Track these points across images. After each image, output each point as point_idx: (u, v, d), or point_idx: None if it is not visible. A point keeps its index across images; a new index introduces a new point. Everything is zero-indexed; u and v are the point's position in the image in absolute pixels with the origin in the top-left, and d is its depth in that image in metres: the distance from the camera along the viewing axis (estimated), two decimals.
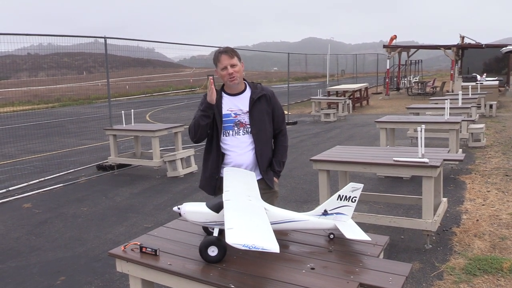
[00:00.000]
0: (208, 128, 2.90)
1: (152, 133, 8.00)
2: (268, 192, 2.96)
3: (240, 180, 2.57)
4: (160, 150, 8.36)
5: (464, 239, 4.34)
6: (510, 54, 20.24)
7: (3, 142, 11.81)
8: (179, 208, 2.25)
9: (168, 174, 7.81)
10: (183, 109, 22.52)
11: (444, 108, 7.17)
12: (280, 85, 34.85)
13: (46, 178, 8.04)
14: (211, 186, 2.99)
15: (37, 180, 7.86)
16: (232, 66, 2.82)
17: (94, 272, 4.08)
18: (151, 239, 2.39)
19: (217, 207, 2.16)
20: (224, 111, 2.91)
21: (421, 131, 4.22)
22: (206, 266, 2.02)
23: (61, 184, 7.57)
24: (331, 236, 2.29)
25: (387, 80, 23.97)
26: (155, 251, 2.17)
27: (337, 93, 18.92)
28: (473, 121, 9.02)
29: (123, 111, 8.57)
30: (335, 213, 2.27)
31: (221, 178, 2.82)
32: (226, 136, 2.92)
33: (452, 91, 18.58)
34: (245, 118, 2.91)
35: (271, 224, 2.01)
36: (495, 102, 13.86)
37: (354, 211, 2.31)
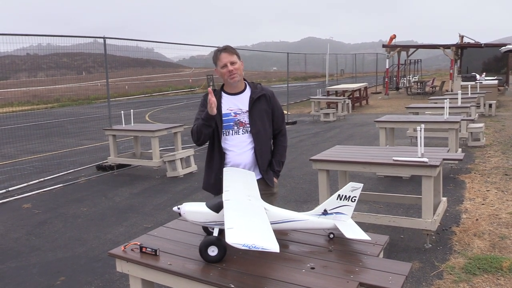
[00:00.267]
0: (211, 132, 2.90)
1: (151, 133, 8.00)
2: (267, 192, 2.96)
3: (239, 180, 2.56)
4: (160, 150, 8.36)
5: (463, 238, 4.34)
6: (509, 53, 20.24)
7: (3, 142, 11.82)
8: (179, 208, 2.25)
9: (168, 174, 7.81)
10: (182, 109, 22.52)
11: (443, 107, 7.18)
12: (280, 85, 34.88)
13: (46, 178, 8.04)
14: (216, 187, 2.93)
15: (37, 181, 7.86)
16: (232, 63, 2.82)
17: (94, 272, 4.08)
18: (151, 239, 2.39)
19: (217, 207, 2.16)
20: (224, 111, 2.91)
21: (420, 130, 4.22)
22: (206, 266, 2.02)
23: (61, 185, 7.57)
24: (331, 235, 2.29)
25: (386, 80, 23.96)
26: (155, 251, 2.17)
27: (336, 92, 18.91)
28: (473, 121, 9.02)
29: (122, 111, 8.57)
30: (335, 212, 2.27)
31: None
32: (226, 135, 2.92)
33: (452, 91, 18.60)
34: (245, 118, 2.90)
35: (271, 223, 2.01)
36: (495, 102, 13.86)
37: (354, 210, 2.31)
